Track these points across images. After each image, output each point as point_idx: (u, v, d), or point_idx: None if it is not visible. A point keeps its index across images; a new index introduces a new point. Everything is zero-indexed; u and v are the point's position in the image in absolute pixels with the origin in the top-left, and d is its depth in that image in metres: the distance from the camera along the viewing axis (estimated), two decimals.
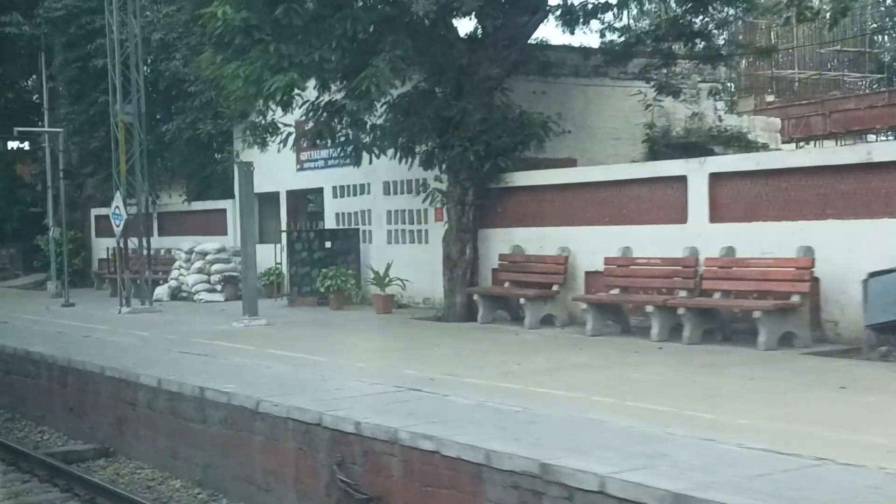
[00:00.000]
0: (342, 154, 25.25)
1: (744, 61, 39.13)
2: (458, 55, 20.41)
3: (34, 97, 46.56)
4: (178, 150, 32.27)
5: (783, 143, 30.80)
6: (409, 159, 21.31)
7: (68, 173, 33.62)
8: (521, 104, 20.94)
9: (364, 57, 19.42)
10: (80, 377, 16.35)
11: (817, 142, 36.06)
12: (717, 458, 8.39)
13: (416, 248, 24.33)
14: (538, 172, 20.46)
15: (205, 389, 13.11)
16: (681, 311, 15.83)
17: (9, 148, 39.58)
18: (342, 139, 22.34)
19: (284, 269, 26.87)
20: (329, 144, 24.94)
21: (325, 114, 21.35)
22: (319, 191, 28.06)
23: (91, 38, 32.16)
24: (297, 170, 28.39)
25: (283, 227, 28.20)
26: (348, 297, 24.54)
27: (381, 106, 20.53)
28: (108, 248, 34.70)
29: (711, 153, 23.66)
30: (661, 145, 24.24)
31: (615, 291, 17.58)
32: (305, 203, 29.91)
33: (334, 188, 27.21)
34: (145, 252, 26.64)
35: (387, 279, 23.20)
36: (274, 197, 28.92)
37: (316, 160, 27.78)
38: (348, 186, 26.62)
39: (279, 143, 22.43)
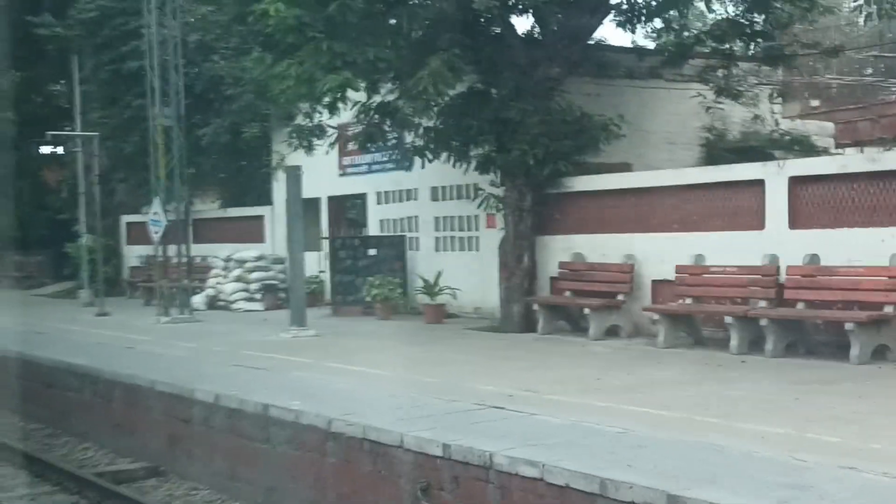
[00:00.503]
0: (393, 158, 24.50)
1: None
2: (516, 54, 19.57)
3: (60, 101, 45.91)
4: (215, 155, 31.46)
5: (835, 147, 29.79)
6: (465, 164, 20.45)
7: (102, 178, 32.89)
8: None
9: (419, 56, 18.64)
10: (128, 392, 15.53)
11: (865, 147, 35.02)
12: (869, 491, 7.53)
13: (465, 255, 23.51)
14: (600, 177, 19.61)
15: (269, 406, 12.27)
16: (763, 322, 14.92)
17: (41, 152, 38.72)
18: (393, 143, 21.45)
19: (326, 278, 26.07)
20: (378, 148, 24.19)
21: (376, 116, 20.50)
22: (362, 196, 27.20)
23: (125, 41, 31.34)
24: (339, 175, 27.58)
25: (325, 233, 27.43)
26: (395, 307, 23.72)
27: (434, 108, 19.61)
28: (140, 256, 34.06)
29: (772, 157, 22.72)
30: (719, 150, 23.30)
31: (688, 301, 16.69)
32: (347, 209, 29.01)
33: (378, 194, 26.40)
34: (184, 260, 25.75)
35: (437, 288, 22.37)
36: (313, 203, 27.90)
37: (359, 165, 26.97)
38: (394, 192, 25.81)
39: (327, 147, 21.60)
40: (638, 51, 23.70)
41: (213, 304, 28.12)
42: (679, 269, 17.00)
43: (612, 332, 17.99)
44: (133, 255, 36.79)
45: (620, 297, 18.06)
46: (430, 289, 22.40)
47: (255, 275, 28.12)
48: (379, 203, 26.43)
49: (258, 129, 26.60)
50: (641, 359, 15.45)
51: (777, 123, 25.18)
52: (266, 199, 31.06)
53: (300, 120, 21.99)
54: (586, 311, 17.98)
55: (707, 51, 21.92)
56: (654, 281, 18.01)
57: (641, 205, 18.60)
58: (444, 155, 20.83)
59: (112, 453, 15.82)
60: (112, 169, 35.26)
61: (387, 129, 20.76)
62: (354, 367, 15.30)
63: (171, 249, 25.63)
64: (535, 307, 19.22)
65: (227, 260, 28.53)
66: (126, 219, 38.05)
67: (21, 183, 45.79)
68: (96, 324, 24.98)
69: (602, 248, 18.98)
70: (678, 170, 19.62)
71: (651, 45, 25.27)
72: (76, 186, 35.37)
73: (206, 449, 13.57)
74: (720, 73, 22.12)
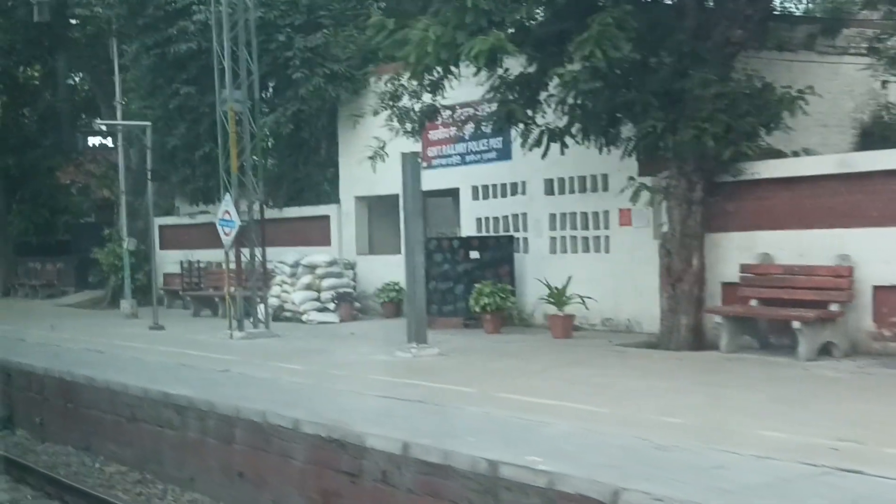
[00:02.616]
0: (494, 148, 21.42)
1: None
2: (686, 15, 16.27)
3: (81, 94, 42.77)
4: (275, 147, 28.11)
5: None
6: (619, 147, 17.17)
7: (139, 176, 29.59)
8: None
9: (574, 17, 15.37)
10: (257, 432, 12.12)
11: None
12: None
13: (590, 258, 20.21)
14: (795, 161, 16.42)
15: (499, 465, 8.90)
16: None
17: (90, 145, 35.22)
18: (527, 124, 17.98)
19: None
20: (474, 136, 21.15)
21: (509, 92, 17.17)
22: (454, 192, 23.75)
23: (171, 21, 27.93)
24: (424, 168, 24.03)
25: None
26: (507, 318, 20.42)
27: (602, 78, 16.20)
28: (184, 261, 30.79)
29: None
30: (892, 131, 20.04)
31: None
32: (442, 207, 25.54)
33: (474, 188, 23.02)
34: (259, 265, 22.37)
35: (567, 296, 19.02)
36: (392, 200, 24.35)
37: (449, 156, 23.62)
38: (494, 186, 22.46)
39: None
40: (785, 18, 20.43)
41: (278, 314, 24.63)
42: None
43: (823, 351, 14.65)
44: (167, 260, 33.36)
45: (834, 308, 14.71)
46: (559, 297, 19.04)
47: (326, 282, 24.77)
48: (475, 199, 23.04)
49: (358, 112, 23.17)
50: None
51: None
52: (327, 198, 27.68)
53: (406, 101, 18.78)
54: (797, 325, 14.53)
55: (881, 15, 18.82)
56: (877, 287, 14.66)
57: (854, 193, 15.15)
58: (583, 138, 17.58)
59: None
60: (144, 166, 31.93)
61: (526, 107, 17.34)
62: (546, 401, 11.92)
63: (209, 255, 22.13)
64: (718, 320, 15.85)
65: (295, 265, 25.09)
66: (159, 221, 34.57)
67: (37, 184, 42.64)
68: (155, 339, 21.65)
69: (798, 246, 15.64)
70: None
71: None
72: (115, 185, 32.03)
73: None
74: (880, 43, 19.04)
